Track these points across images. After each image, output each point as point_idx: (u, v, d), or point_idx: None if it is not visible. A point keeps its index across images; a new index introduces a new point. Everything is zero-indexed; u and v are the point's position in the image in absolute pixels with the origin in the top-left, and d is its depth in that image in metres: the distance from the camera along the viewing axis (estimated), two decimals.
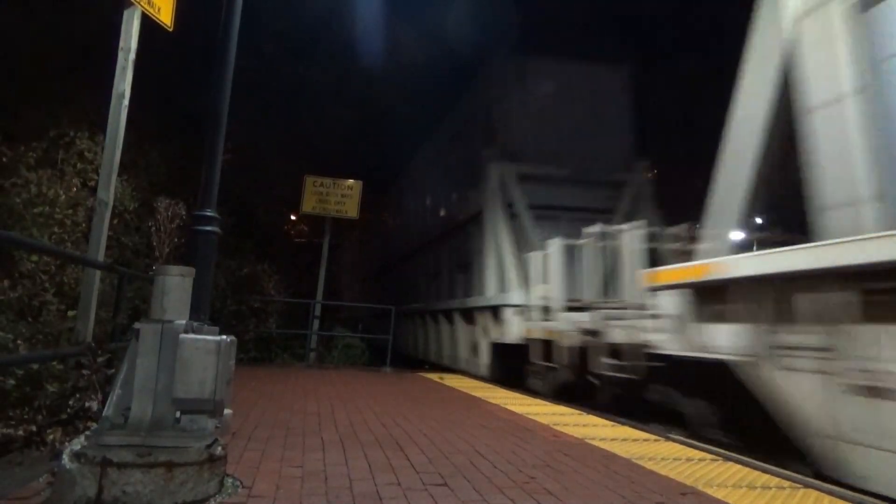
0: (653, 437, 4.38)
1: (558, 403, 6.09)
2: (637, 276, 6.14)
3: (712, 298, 4.63)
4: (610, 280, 7.05)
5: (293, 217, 19.40)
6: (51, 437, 3.16)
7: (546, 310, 7.69)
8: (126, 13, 4.62)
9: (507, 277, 9.36)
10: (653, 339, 5.32)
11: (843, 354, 3.48)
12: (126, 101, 4.62)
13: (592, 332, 6.37)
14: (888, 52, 3.76)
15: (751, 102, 4.85)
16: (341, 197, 12.12)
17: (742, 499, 2.80)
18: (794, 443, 3.87)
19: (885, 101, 3.73)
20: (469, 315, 10.85)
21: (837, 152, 3.92)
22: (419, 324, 14.72)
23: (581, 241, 7.49)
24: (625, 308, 6.25)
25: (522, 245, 9.34)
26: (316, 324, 11.12)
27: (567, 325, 6.93)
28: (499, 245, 9.76)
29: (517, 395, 6.81)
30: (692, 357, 4.78)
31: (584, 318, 6.64)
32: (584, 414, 5.41)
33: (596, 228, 7.30)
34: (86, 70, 8.54)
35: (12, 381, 3.46)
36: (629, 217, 9.01)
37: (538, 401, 6.30)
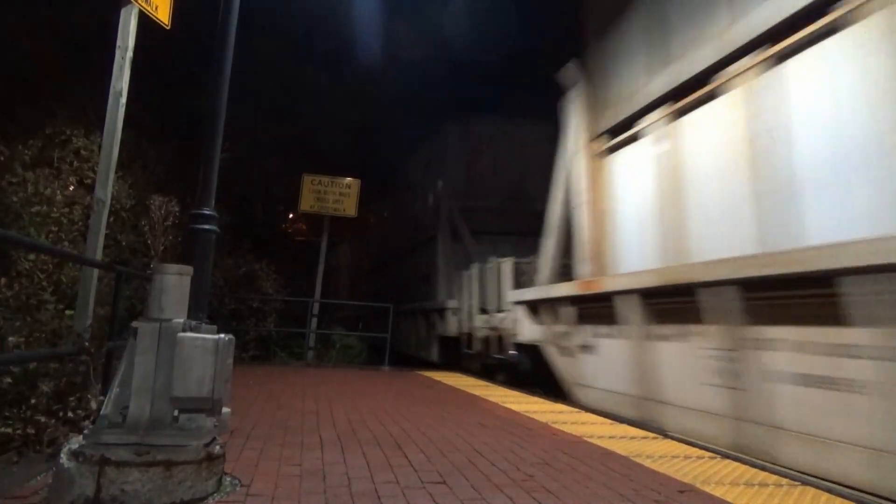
0: (651, 434, 4.38)
1: (556, 402, 6.10)
2: (507, 293, 8.80)
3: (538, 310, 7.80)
4: (499, 293, 9.38)
5: (291, 215, 19.38)
6: (49, 436, 3.16)
7: (469, 312, 10.54)
8: (123, 11, 4.61)
9: (449, 287, 12.26)
10: (515, 332, 8.17)
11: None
12: (123, 100, 4.61)
13: (492, 329, 9.16)
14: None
15: (555, 196, 8.03)
16: (339, 195, 12.12)
17: (740, 496, 2.81)
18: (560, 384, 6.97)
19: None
20: (427, 315, 13.36)
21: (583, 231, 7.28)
22: (411, 322, 15.63)
23: (486, 266, 9.96)
24: (504, 313, 8.79)
25: (465, 261, 11.62)
26: (314, 322, 11.11)
27: (479, 323, 9.83)
28: (446, 262, 12.75)
29: (515, 393, 6.82)
30: (526, 342, 7.83)
31: (487, 319, 9.49)
32: (583, 412, 5.42)
33: (492, 260, 9.71)
34: (83, 68, 8.51)
35: (9, 380, 3.45)
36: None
37: (536, 399, 6.30)
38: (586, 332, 6.37)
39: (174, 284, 2.53)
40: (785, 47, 4.45)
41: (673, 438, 4.28)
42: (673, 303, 4.92)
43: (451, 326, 11.35)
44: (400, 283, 17.44)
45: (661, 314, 5.16)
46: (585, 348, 6.35)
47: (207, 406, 2.42)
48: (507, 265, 9.08)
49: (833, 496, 2.89)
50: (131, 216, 8.18)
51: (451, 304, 11.52)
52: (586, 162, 7.29)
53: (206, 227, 3.45)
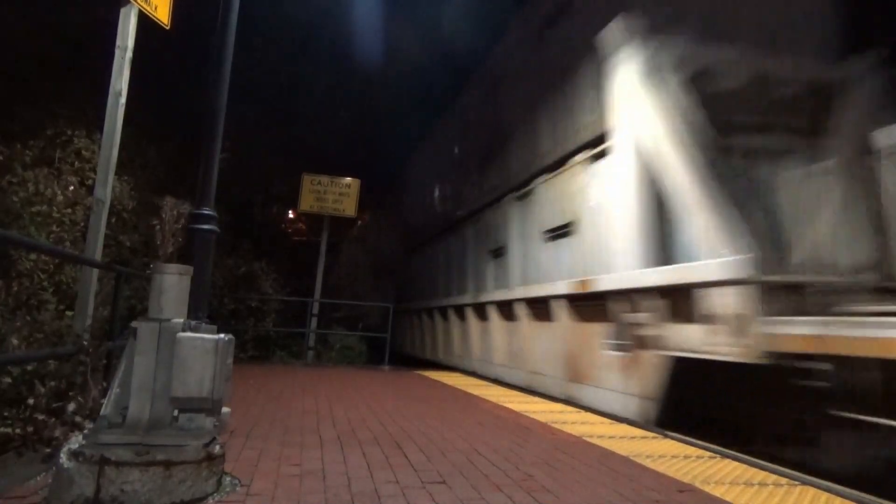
0: (651, 434, 4.38)
1: (556, 401, 6.09)
2: None
3: None
4: None
5: (291, 215, 19.40)
6: (48, 436, 3.16)
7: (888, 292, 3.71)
8: (122, 11, 4.61)
9: (692, 233, 4.64)
10: None
11: None
12: (123, 100, 4.61)
13: None
14: None
15: None
16: (339, 195, 12.15)
17: (740, 496, 2.81)
18: None
19: None
20: (596, 304, 5.81)
21: None
22: (441, 322, 11.67)
23: None
24: None
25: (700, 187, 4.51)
26: (314, 322, 11.12)
27: None
28: (654, 177, 5.08)
29: (514, 392, 6.82)
30: None
31: None
32: (583, 412, 5.42)
33: None
34: (82, 68, 8.52)
35: (8, 380, 3.45)
36: (846, 139, 4.95)
37: (536, 398, 6.30)
38: None
39: (174, 284, 2.53)
40: None
41: (673, 438, 4.28)
42: None
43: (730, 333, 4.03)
44: (442, 270, 11.99)
45: None
46: None
47: (207, 406, 2.42)
48: None
49: (833, 496, 2.89)
50: (132, 217, 8.19)
51: (735, 269, 3.95)
52: None
53: (206, 227, 3.46)
